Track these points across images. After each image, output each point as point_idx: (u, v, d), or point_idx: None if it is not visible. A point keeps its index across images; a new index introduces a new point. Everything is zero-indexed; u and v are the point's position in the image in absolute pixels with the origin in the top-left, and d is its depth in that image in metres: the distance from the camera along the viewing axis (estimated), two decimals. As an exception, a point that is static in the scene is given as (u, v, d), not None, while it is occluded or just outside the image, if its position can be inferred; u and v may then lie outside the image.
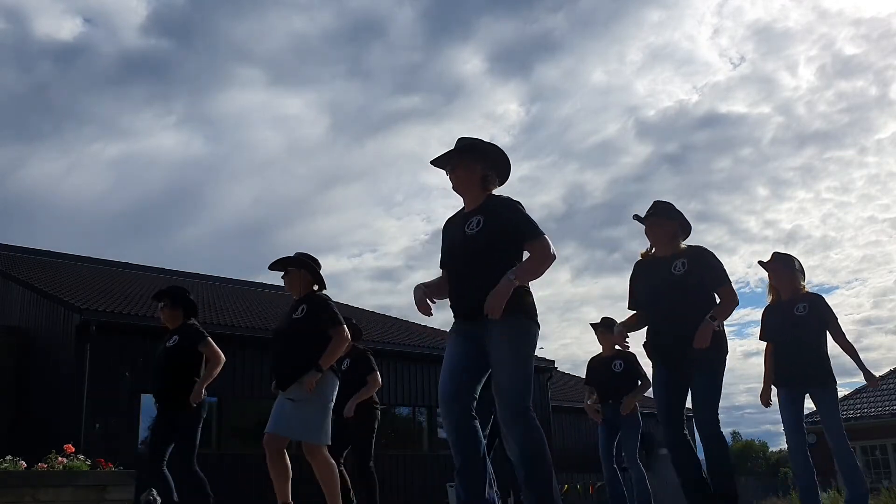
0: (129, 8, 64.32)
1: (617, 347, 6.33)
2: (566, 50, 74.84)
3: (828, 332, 4.97)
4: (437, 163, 3.38)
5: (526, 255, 3.24)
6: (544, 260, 3.15)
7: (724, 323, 4.14)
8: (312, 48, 72.18)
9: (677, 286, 4.07)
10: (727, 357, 4.10)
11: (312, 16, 70.80)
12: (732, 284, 4.10)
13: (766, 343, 5.15)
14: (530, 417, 3.03)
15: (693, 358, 3.94)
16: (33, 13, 62.08)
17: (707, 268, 4.10)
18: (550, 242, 3.19)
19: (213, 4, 73.86)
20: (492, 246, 3.18)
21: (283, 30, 66.10)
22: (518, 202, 3.28)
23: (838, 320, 4.97)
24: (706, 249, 4.20)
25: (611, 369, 6.33)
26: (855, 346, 4.98)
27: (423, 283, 3.29)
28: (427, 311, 3.22)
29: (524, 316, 3.13)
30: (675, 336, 4.00)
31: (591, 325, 6.52)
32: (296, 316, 4.60)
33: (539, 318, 3.23)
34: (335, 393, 4.58)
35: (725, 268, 4.13)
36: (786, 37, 74.45)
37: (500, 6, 75.24)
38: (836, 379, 4.90)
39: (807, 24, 75.77)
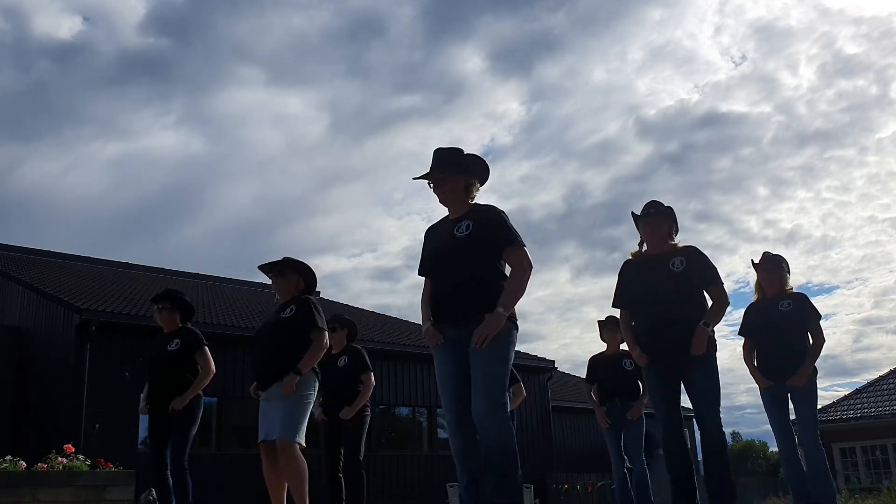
0: (128, 6, 64.39)
1: (623, 346, 6.33)
2: (567, 48, 74.94)
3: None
4: (418, 178, 3.50)
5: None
6: (523, 273, 3.32)
7: (721, 322, 4.25)
8: (312, 47, 72.29)
9: (676, 282, 4.16)
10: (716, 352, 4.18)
11: (311, 14, 70.88)
12: (724, 286, 4.21)
13: (744, 339, 5.23)
14: (505, 413, 3.20)
15: (689, 356, 4.02)
16: (32, 12, 62.17)
17: (703, 267, 4.22)
18: (528, 253, 3.36)
19: (212, 3, 73.95)
20: (479, 249, 3.34)
21: (283, 28, 66.18)
22: (503, 211, 3.45)
23: (820, 320, 5.05)
24: (700, 252, 4.30)
25: (620, 367, 6.27)
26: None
27: (425, 320, 3.48)
28: (437, 340, 3.41)
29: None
30: (673, 331, 4.07)
31: (599, 322, 6.51)
32: (284, 315, 4.61)
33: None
34: (314, 392, 4.57)
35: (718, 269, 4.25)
36: (787, 35, 74.50)
37: (500, 4, 75.33)
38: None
39: (808, 23, 75.80)
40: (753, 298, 5.30)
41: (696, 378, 4.07)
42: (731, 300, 4.28)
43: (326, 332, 4.61)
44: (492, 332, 3.17)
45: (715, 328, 4.15)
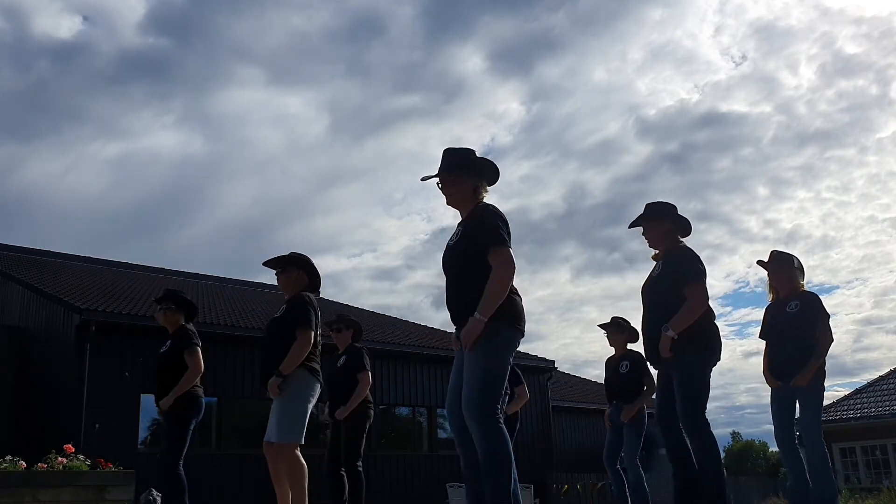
0: (128, 6, 64.39)
1: (629, 346, 6.36)
2: (567, 48, 74.93)
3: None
4: (427, 180, 3.48)
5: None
6: (500, 275, 3.20)
7: (721, 322, 4.21)
8: (312, 46, 72.24)
9: (653, 289, 4.21)
10: (714, 352, 4.10)
11: (311, 14, 70.87)
12: (703, 284, 4.07)
13: (764, 341, 5.18)
14: (488, 416, 3.11)
15: (667, 358, 4.04)
16: (32, 11, 62.14)
17: (677, 267, 4.14)
18: (511, 253, 3.25)
19: (212, 2, 73.94)
20: (467, 255, 3.30)
21: (283, 28, 66.16)
22: (496, 210, 3.36)
23: (828, 320, 4.94)
24: (684, 250, 4.23)
25: (617, 370, 6.34)
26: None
27: None
28: (455, 344, 3.38)
29: (495, 319, 3.18)
30: (652, 337, 4.14)
31: (599, 325, 6.53)
32: (276, 315, 4.64)
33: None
34: (313, 393, 4.51)
35: (701, 267, 4.12)
36: (787, 35, 74.57)
37: (500, 4, 75.31)
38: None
39: (808, 23, 75.87)
40: (768, 299, 5.22)
41: (676, 383, 4.07)
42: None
43: (312, 331, 4.51)
44: (469, 337, 3.15)
45: (715, 322, 4.13)
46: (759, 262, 5.19)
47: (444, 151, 3.49)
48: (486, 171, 3.47)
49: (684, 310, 3.98)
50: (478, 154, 3.51)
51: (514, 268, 3.23)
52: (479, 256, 3.25)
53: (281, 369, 4.36)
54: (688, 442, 4.08)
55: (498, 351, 3.20)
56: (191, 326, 5.58)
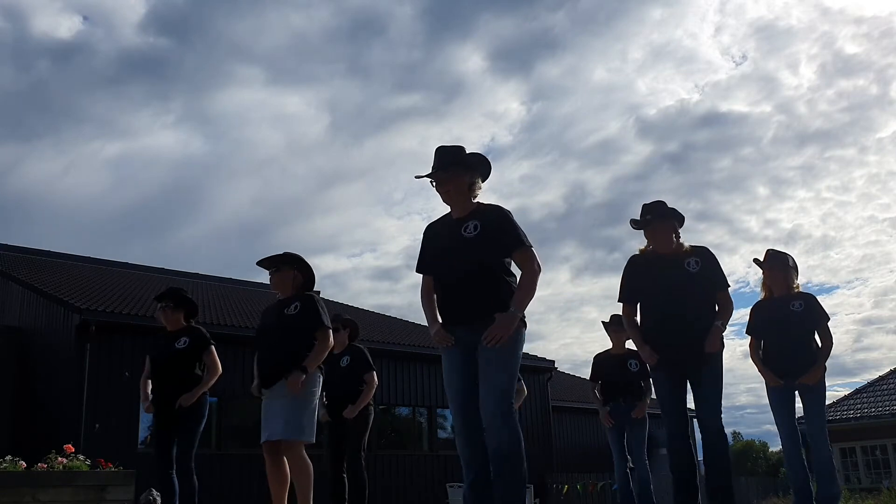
0: (128, 6, 64.38)
1: (629, 346, 6.33)
2: (567, 48, 74.86)
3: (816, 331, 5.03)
4: (421, 177, 3.51)
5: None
6: (534, 275, 3.35)
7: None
8: (311, 46, 72.20)
9: (693, 282, 4.21)
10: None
11: (311, 14, 70.85)
12: None
13: (750, 338, 5.17)
14: (514, 415, 3.23)
15: (700, 355, 4.06)
16: (31, 11, 62.12)
17: (716, 270, 4.30)
18: (536, 255, 3.39)
19: (212, 2, 73.94)
20: (488, 250, 3.35)
21: (282, 28, 66.15)
22: (509, 211, 3.45)
23: (828, 321, 5.01)
24: (711, 253, 4.36)
25: (626, 368, 6.29)
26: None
27: (432, 321, 3.45)
28: (448, 342, 3.37)
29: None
30: (687, 330, 4.10)
31: (603, 322, 6.52)
32: (288, 312, 4.57)
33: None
34: (317, 390, 4.57)
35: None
36: (787, 35, 74.43)
37: (500, 4, 75.26)
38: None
39: (808, 23, 75.73)
40: (760, 296, 5.25)
41: (706, 377, 4.11)
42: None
43: (331, 331, 4.60)
44: (505, 332, 3.18)
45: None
46: (756, 261, 5.23)
47: (437, 150, 3.53)
48: (479, 167, 3.52)
49: (727, 312, 4.25)
50: (478, 151, 3.55)
51: (540, 269, 3.39)
52: (502, 254, 3.37)
53: (307, 365, 4.39)
54: (705, 437, 4.11)
55: (520, 348, 3.33)
56: (199, 326, 5.63)
